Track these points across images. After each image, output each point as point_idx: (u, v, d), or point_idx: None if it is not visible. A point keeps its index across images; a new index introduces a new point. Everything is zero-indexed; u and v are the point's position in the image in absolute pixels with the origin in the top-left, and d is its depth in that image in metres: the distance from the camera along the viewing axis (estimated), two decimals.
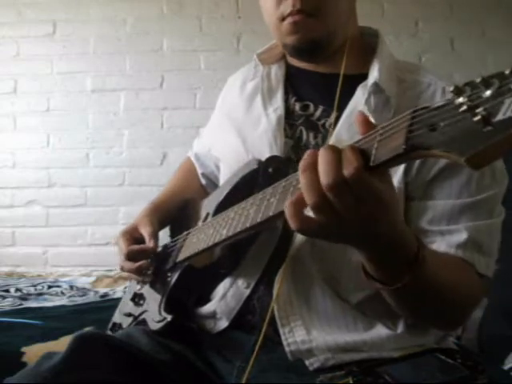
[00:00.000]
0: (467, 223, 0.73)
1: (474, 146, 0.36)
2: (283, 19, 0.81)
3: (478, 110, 0.36)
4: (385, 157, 0.43)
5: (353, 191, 0.48)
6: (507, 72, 0.35)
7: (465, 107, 0.37)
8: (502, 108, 0.34)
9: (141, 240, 0.94)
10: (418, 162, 0.74)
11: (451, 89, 0.38)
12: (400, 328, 0.76)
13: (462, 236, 0.73)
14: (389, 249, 0.56)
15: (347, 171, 0.48)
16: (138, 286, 1.01)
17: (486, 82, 0.36)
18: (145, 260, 0.90)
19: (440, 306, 0.70)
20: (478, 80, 0.36)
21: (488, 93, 0.35)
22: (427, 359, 0.75)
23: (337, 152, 0.50)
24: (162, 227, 1.01)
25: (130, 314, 0.97)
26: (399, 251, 0.57)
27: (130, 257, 0.91)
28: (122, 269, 0.94)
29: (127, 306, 1.02)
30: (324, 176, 0.49)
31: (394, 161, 0.43)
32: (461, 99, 0.37)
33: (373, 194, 0.49)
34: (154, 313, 0.88)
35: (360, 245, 0.58)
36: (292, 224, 0.53)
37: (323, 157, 0.50)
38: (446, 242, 0.73)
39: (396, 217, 0.55)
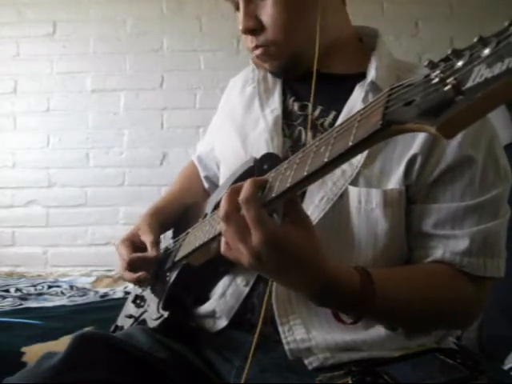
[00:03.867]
0: (472, 228, 0.73)
1: (444, 114, 0.36)
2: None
3: (448, 80, 0.36)
4: (365, 134, 0.44)
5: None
6: (475, 40, 0.36)
7: (437, 79, 0.37)
8: (471, 76, 0.35)
9: (141, 247, 0.93)
10: (418, 164, 0.74)
11: (425, 64, 0.39)
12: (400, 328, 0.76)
13: (467, 242, 0.72)
14: (321, 293, 0.60)
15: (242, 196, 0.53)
16: (140, 289, 1.01)
17: (458, 54, 0.37)
18: (145, 271, 0.89)
19: (423, 320, 0.73)
20: (449, 52, 0.37)
21: (459, 63, 0.36)
22: (427, 359, 0.74)
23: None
24: (163, 231, 1.00)
25: (130, 316, 0.97)
26: (333, 295, 0.60)
27: (132, 265, 0.90)
28: (123, 278, 0.93)
29: (129, 308, 1.02)
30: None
31: (374, 137, 0.43)
32: (435, 73, 0.38)
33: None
34: (153, 311, 0.88)
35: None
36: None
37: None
38: (450, 249, 0.73)
39: (314, 262, 0.57)
